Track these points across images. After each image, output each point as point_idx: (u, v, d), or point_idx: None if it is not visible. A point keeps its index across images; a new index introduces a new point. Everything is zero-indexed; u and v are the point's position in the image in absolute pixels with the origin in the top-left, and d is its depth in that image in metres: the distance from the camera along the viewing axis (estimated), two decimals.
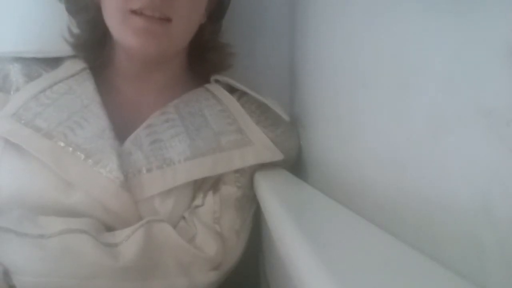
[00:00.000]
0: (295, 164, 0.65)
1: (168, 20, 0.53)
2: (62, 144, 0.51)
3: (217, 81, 0.66)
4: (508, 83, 0.22)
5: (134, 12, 0.52)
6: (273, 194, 0.46)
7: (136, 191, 0.50)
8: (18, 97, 0.56)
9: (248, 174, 0.58)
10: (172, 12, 0.53)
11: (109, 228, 0.50)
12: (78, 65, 0.61)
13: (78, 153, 0.51)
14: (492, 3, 0.24)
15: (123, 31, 0.54)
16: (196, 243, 0.50)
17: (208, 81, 0.66)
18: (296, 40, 0.73)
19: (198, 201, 0.54)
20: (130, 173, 0.51)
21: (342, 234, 0.32)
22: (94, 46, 0.63)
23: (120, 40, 0.56)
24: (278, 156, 0.59)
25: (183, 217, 0.53)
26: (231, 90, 0.65)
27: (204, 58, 0.67)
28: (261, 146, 0.58)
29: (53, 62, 0.61)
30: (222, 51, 0.68)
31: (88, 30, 0.63)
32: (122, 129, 0.55)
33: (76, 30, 0.64)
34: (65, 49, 0.64)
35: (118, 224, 0.50)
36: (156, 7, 0.52)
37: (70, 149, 0.51)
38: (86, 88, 0.58)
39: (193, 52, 0.66)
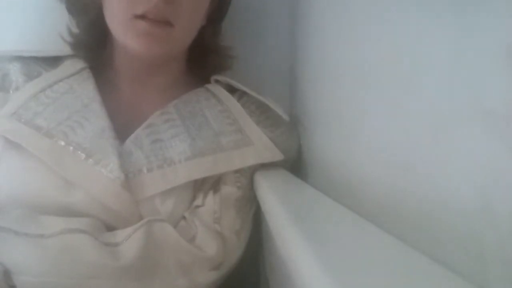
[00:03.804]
0: (295, 164, 0.65)
1: (170, 24, 0.54)
2: (62, 143, 0.51)
3: (217, 81, 0.66)
4: (508, 83, 0.22)
5: (137, 16, 0.52)
6: (273, 194, 0.46)
7: (137, 191, 0.50)
8: (18, 96, 0.56)
9: (248, 174, 0.58)
10: (174, 17, 0.54)
11: (110, 228, 0.50)
12: (78, 64, 0.61)
13: (79, 152, 0.51)
14: (492, 4, 0.24)
15: (126, 34, 0.55)
16: (196, 243, 0.50)
17: (208, 81, 0.66)
18: (296, 40, 0.73)
19: (198, 201, 0.54)
20: (130, 173, 0.51)
21: (342, 234, 0.32)
22: (93, 46, 0.63)
23: (123, 43, 0.57)
24: (278, 156, 0.59)
25: (184, 217, 0.53)
26: (231, 90, 0.65)
27: (204, 60, 0.67)
28: (261, 146, 0.58)
29: (53, 61, 0.61)
30: (222, 54, 0.68)
31: (88, 31, 0.63)
32: (122, 128, 0.55)
33: (75, 30, 0.64)
34: (65, 49, 0.63)
35: (119, 224, 0.50)
36: (159, 12, 0.52)
37: (71, 148, 0.51)
38: (86, 87, 0.58)
39: (193, 54, 0.66)
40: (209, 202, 0.54)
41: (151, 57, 0.58)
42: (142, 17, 0.52)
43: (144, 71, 0.61)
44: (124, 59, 0.61)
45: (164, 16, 0.53)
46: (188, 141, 0.55)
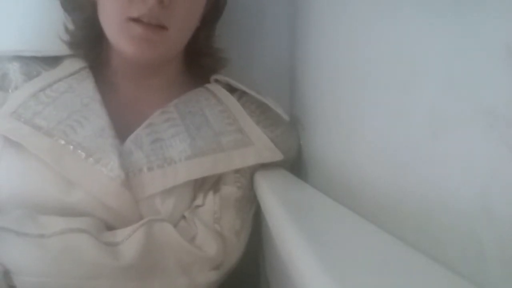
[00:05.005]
0: (295, 164, 0.65)
1: (164, 28, 0.54)
2: (62, 142, 0.51)
3: (217, 81, 0.66)
4: (508, 83, 0.22)
5: (131, 19, 0.52)
6: (273, 194, 0.46)
7: (137, 190, 0.50)
8: (17, 95, 0.55)
9: (248, 174, 0.58)
10: (169, 20, 0.54)
11: (110, 227, 0.50)
12: (77, 64, 0.61)
13: (79, 151, 0.51)
14: (492, 3, 0.24)
15: (120, 37, 0.55)
16: (196, 243, 0.50)
17: (207, 81, 0.66)
18: (296, 40, 0.73)
19: (198, 201, 0.54)
20: (130, 172, 0.51)
21: (342, 234, 0.32)
22: (90, 44, 0.63)
23: (116, 45, 0.57)
24: (278, 156, 0.59)
25: (184, 217, 0.53)
26: (231, 89, 0.65)
27: (198, 62, 0.68)
28: (261, 146, 0.58)
29: (53, 61, 0.61)
30: (215, 56, 0.68)
31: (84, 28, 0.63)
32: (122, 128, 0.55)
33: (72, 28, 0.64)
34: (64, 48, 0.64)
35: (119, 223, 0.50)
36: (154, 16, 0.52)
37: (71, 147, 0.51)
38: (86, 86, 0.58)
39: (188, 55, 0.66)
40: (209, 202, 0.54)
41: (144, 60, 0.58)
42: (136, 20, 0.52)
43: (140, 72, 0.61)
44: (120, 59, 0.61)
45: (159, 20, 0.53)
46: (188, 140, 0.55)
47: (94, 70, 0.61)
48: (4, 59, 0.59)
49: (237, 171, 0.57)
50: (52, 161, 0.49)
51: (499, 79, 0.23)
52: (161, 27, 0.54)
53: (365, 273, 0.24)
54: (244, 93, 0.65)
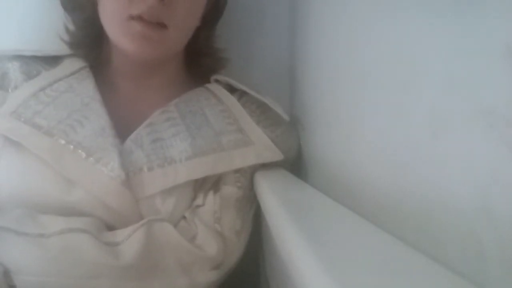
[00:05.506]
0: (295, 164, 0.65)
1: (164, 26, 0.54)
2: (62, 141, 0.51)
3: (217, 81, 0.66)
4: (508, 83, 0.22)
5: (132, 17, 0.52)
6: (273, 194, 0.46)
7: (137, 190, 0.50)
8: (17, 95, 0.55)
9: (249, 174, 0.58)
10: (169, 19, 0.54)
11: (110, 227, 0.50)
12: (77, 63, 0.61)
13: (79, 151, 0.51)
14: (492, 3, 0.24)
15: (120, 34, 0.55)
16: (196, 243, 0.50)
17: (207, 81, 0.66)
18: (296, 40, 0.73)
19: (199, 201, 0.54)
20: (131, 172, 0.51)
21: (342, 234, 0.32)
22: (90, 44, 0.63)
23: (117, 43, 0.57)
24: (278, 156, 0.59)
25: (184, 217, 0.53)
26: (231, 89, 0.65)
27: (198, 62, 0.68)
28: (261, 146, 0.58)
29: (53, 60, 0.61)
30: (215, 56, 0.68)
31: (84, 28, 0.63)
32: (122, 127, 0.55)
33: (72, 27, 0.64)
34: (64, 48, 0.64)
35: (119, 223, 0.50)
36: (155, 14, 0.52)
37: (71, 147, 0.51)
38: (86, 86, 0.58)
39: (188, 55, 0.66)
40: (210, 202, 0.54)
41: (144, 58, 0.58)
42: (137, 18, 0.52)
43: (141, 72, 0.61)
44: (121, 58, 0.61)
45: (159, 18, 0.53)
46: (188, 140, 0.55)
47: (94, 70, 0.61)
48: (4, 59, 0.59)
49: (237, 171, 0.57)
50: (52, 161, 0.49)
51: (499, 79, 0.23)
52: (161, 26, 0.54)
53: (365, 273, 0.24)
54: (244, 93, 0.65)
